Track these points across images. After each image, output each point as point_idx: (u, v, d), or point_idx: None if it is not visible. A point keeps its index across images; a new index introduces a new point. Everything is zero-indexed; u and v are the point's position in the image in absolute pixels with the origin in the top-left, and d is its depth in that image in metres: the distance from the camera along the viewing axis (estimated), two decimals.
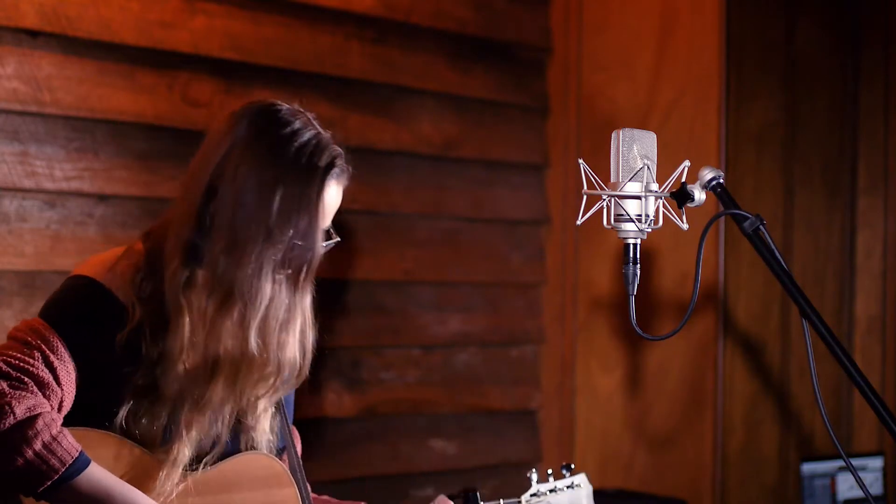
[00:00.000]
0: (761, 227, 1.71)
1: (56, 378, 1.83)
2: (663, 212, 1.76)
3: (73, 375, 1.86)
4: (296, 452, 2.10)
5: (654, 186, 1.75)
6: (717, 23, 3.58)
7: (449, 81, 3.61)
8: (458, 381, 3.65)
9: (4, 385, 1.77)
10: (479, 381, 3.70)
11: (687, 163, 1.75)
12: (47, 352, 1.83)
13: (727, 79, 3.58)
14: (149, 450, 1.89)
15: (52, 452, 1.75)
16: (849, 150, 3.95)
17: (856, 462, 3.50)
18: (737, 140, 3.61)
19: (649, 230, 1.76)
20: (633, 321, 1.79)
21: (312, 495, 2.10)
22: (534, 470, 2.20)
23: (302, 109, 1.98)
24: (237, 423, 1.98)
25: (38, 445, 1.74)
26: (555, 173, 3.92)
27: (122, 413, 1.89)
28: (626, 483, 3.74)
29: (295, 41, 3.24)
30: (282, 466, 2.02)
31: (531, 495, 2.17)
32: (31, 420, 1.75)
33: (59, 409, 1.84)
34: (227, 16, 3.09)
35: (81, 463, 1.77)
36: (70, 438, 1.78)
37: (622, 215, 1.75)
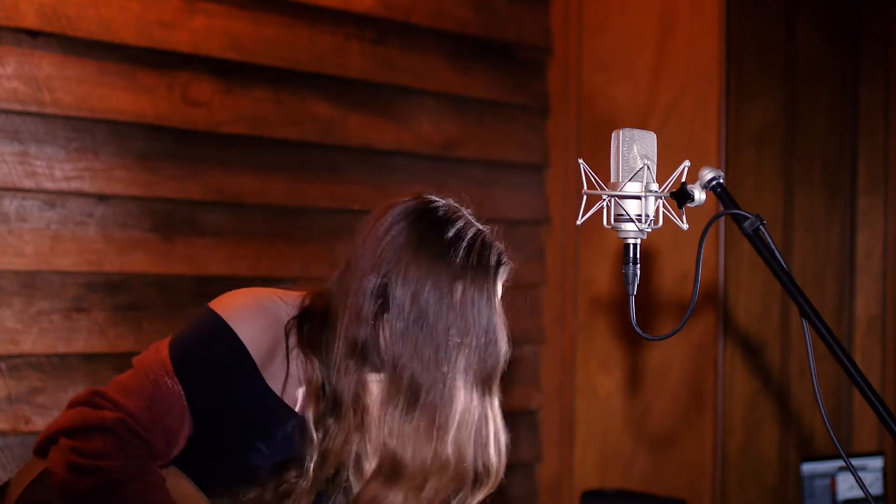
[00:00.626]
0: (761, 227, 1.71)
1: (170, 440, 1.81)
2: (663, 212, 1.76)
3: (188, 431, 1.83)
4: None
5: (654, 186, 1.75)
6: (717, 23, 3.58)
7: (449, 81, 3.60)
8: None
9: (114, 448, 1.75)
10: None
11: (687, 163, 1.75)
12: (168, 410, 1.80)
13: (727, 79, 3.58)
14: None
15: None
16: (849, 150, 3.95)
17: (856, 462, 3.50)
18: (737, 140, 3.61)
19: (649, 230, 1.76)
20: (633, 321, 1.78)
21: None
22: None
23: (457, 205, 1.97)
24: None
25: None
26: (555, 173, 3.92)
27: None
28: (626, 483, 3.74)
29: (295, 41, 3.24)
30: None
31: None
32: (133, 482, 1.74)
33: (170, 457, 1.83)
34: (227, 16, 3.09)
35: None
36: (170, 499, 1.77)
37: (622, 215, 1.75)
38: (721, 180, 1.76)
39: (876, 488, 3.57)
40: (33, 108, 2.77)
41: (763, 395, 3.71)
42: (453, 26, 3.62)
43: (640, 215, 1.74)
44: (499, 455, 1.93)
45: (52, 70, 2.80)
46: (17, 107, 2.75)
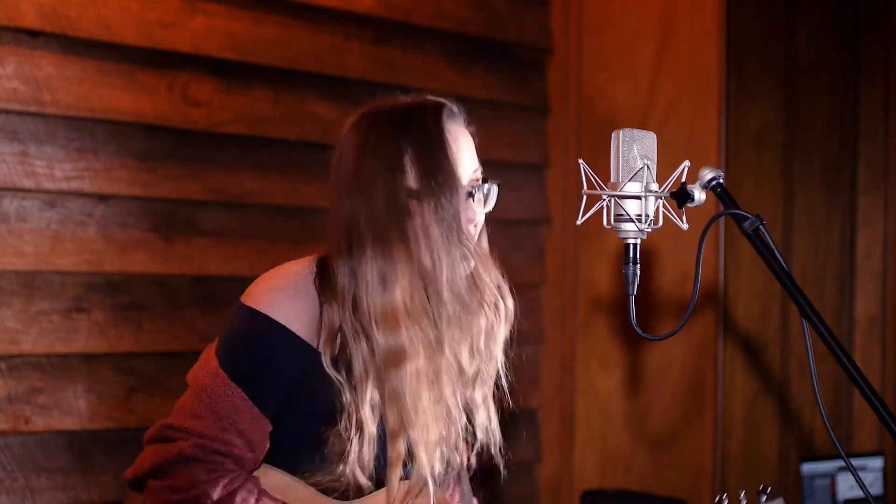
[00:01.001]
0: (761, 227, 1.71)
1: (250, 443, 1.82)
2: (663, 212, 1.76)
3: (268, 428, 1.85)
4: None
5: (654, 186, 1.75)
6: (717, 23, 3.58)
7: (449, 81, 3.60)
8: None
9: (201, 472, 1.77)
10: None
11: (687, 163, 1.75)
12: (236, 418, 1.81)
13: (727, 79, 3.58)
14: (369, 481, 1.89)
15: None
16: (849, 150, 3.95)
17: (856, 462, 3.50)
18: (737, 140, 3.61)
19: (649, 230, 1.76)
20: (633, 321, 1.78)
21: None
22: (725, 496, 2.06)
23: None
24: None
25: None
26: (555, 173, 3.92)
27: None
28: (626, 483, 3.74)
29: (295, 41, 3.24)
30: None
31: None
32: (230, 497, 1.76)
33: (255, 463, 1.85)
34: (227, 16, 3.09)
35: None
36: (269, 501, 1.80)
37: (622, 215, 1.75)
38: (721, 180, 1.76)
39: (876, 488, 3.58)
40: (33, 108, 2.77)
41: (763, 395, 3.71)
42: (453, 26, 3.62)
43: (640, 215, 1.74)
44: (499, 286, 1.94)
45: (52, 70, 2.80)
46: (17, 107, 2.75)
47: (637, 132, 1.76)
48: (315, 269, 1.90)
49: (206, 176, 3.07)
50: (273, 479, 1.89)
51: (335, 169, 1.94)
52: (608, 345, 3.80)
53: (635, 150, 1.75)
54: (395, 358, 1.85)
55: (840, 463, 3.48)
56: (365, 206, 1.87)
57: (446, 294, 1.86)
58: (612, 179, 1.76)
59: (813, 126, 3.85)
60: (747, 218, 1.71)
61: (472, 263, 1.90)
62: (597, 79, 3.86)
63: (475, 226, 1.94)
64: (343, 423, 1.87)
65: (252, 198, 3.17)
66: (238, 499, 1.78)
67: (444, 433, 1.90)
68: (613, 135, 1.76)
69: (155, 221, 2.99)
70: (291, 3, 3.22)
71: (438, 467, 1.91)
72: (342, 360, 1.87)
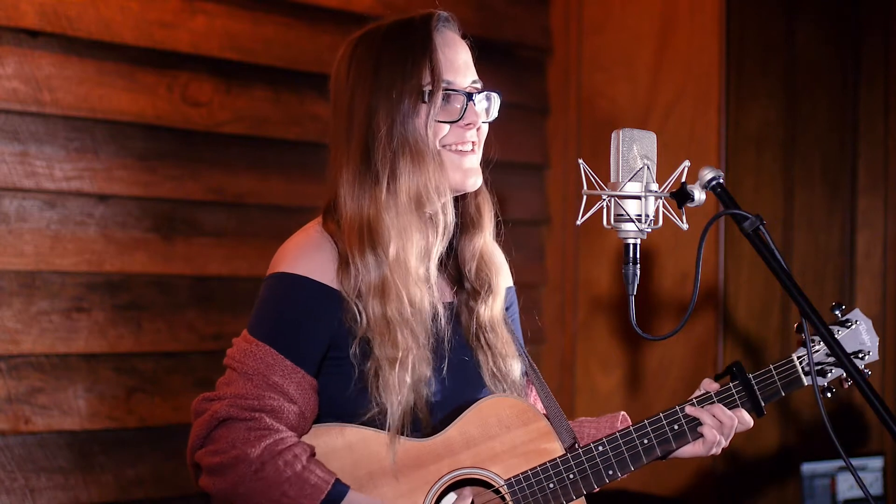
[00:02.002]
0: (761, 227, 1.71)
1: (287, 394, 1.81)
2: (663, 212, 1.76)
3: (307, 379, 1.84)
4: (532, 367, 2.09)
5: (654, 186, 1.75)
6: (717, 23, 3.58)
7: None
8: None
9: (241, 431, 1.77)
10: None
11: (687, 163, 1.75)
12: (266, 372, 1.81)
13: (727, 79, 3.58)
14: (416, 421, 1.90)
15: (302, 490, 1.76)
16: (849, 150, 3.95)
17: (856, 462, 3.50)
18: (737, 140, 3.61)
19: (649, 230, 1.76)
20: (633, 321, 1.79)
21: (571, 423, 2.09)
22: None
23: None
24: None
25: (286, 487, 1.75)
26: (555, 173, 3.92)
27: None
28: (626, 483, 3.74)
29: (295, 41, 3.24)
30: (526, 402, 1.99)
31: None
32: (273, 459, 1.76)
33: (303, 419, 1.83)
34: (226, 16, 3.09)
35: (333, 498, 1.78)
36: (319, 471, 1.78)
37: (622, 215, 1.75)
38: (721, 180, 1.76)
39: (876, 488, 3.57)
40: (33, 108, 2.77)
41: None
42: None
43: (640, 215, 1.74)
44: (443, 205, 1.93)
45: (52, 70, 2.80)
46: (17, 107, 2.75)
47: (637, 132, 1.76)
48: (322, 218, 1.95)
49: (206, 176, 3.07)
50: (343, 434, 1.88)
51: (330, 92, 1.97)
52: (608, 345, 3.80)
53: (635, 150, 1.75)
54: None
55: (840, 463, 3.48)
56: (346, 123, 1.90)
57: (403, 205, 1.87)
58: (612, 179, 1.76)
59: (813, 126, 3.85)
60: (747, 218, 1.71)
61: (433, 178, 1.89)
62: (597, 79, 3.86)
63: (477, 130, 1.95)
64: (373, 350, 1.87)
65: (252, 198, 3.17)
66: (281, 462, 1.76)
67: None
68: (613, 135, 1.76)
69: (155, 221, 2.99)
70: (291, 3, 3.22)
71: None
72: (356, 285, 1.88)
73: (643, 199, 1.74)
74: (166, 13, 2.98)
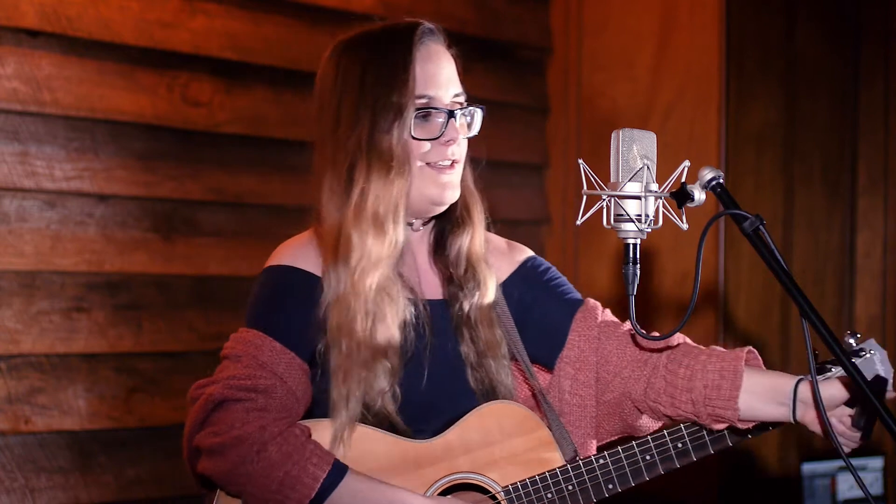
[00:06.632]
0: (761, 227, 1.71)
1: (277, 374, 1.83)
2: (663, 212, 1.76)
3: (296, 361, 1.86)
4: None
5: (654, 186, 1.75)
6: (717, 23, 3.58)
7: None
8: None
9: (239, 412, 1.78)
10: None
11: (687, 163, 1.75)
12: (255, 353, 1.83)
13: (727, 79, 3.58)
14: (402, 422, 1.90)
15: (304, 469, 1.77)
16: (849, 150, 3.95)
17: (856, 462, 3.50)
18: (737, 140, 3.61)
19: (649, 230, 1.76)
20: (633, 321, 1.78)
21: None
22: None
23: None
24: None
25: (289, 466, 1.76)
26: (555, 173, 3.92)
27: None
28: None
29: (295, 41, 3.24)
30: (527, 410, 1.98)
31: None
32: (275, 439, 1.77)
33: (295, 400, 1.84)
34: (226, 16, 3.09)
35: (335, 476, 1.78)
36: (319, 452, 1.79)
37: (622, 215, 1.74)
38: (721, 180, 1.75)
39: (876, 488, 3.57)
40: (33, 108, 2.77)
41: None
42: (453, 26, 3.61)
43: (640, 215, 1.74)
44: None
45: (52, 70, 2.80)
46: (17, 107, 2.75)
47: (637, 132, 1.76)
48: (313, 226, 1.98)
49: (206, 176, 3.07)
50: (365, 437, 1.89)
51: (314, 97, 1.98)
52: None
53: (635, 150, 1.75)
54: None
55: (840, 463, 3.48)
56: (332, 128, 1.91)
57: (367, 220, 1.88)
58: (612, 179, 1.76)
59: (813, 126, 3.85)
60: (747, 218, 1.71)
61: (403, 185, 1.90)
62: (597, 79, 3.86)
63: (458, 146, 1.95)
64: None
65: (252, 198, 3.17)
66: (282, 441, 1.77)
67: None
68: (613, 135, 1.76)
69: (155, 221, 2.99)
70: (291, 3, 3.22)
71: None
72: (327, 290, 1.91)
73: (643, 199, 1.74)
74: (166, 13, 2.98)
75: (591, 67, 3.88)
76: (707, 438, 1.96)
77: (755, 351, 1.93)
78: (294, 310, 1.89)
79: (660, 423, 2.01)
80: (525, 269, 2.09)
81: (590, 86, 3.88)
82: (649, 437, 1.97)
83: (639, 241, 1.77)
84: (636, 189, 1.74)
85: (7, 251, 2.74)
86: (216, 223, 3.10)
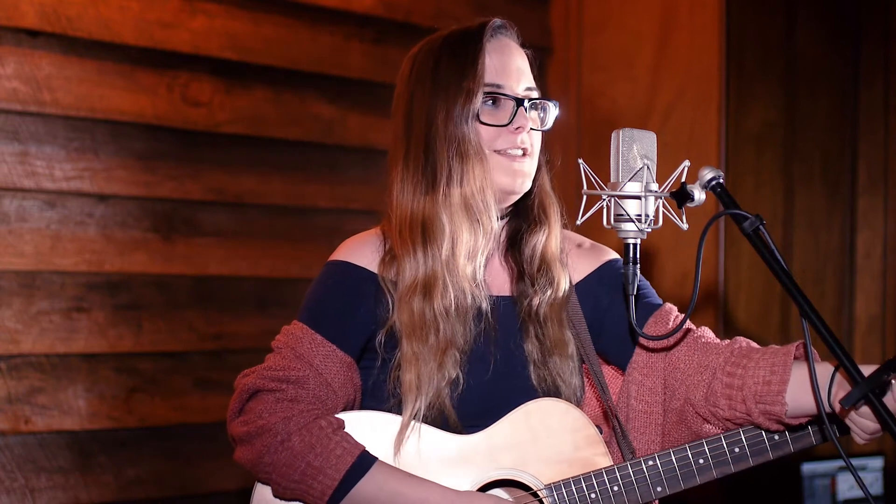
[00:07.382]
0: (761, 227, 1.71)
1: (311, 365, 1.85)
2: (663, 212, 1.76)
3: (337, 354, 1.87)
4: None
5: (654, 186, 1.75)
6: (717, 23, 3.57)
7: None
8: None
9: (269, 401, 1.81)
10: None
11: (687, 163, 1.75)
12: (294, 345, 1.86)
13: (727, 79, 3.58)
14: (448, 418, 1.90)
15: (327, 460, 1.78)
16: (849, 150, 3.95)
17: (856, 462, 3.50)
18: (737, 140, 3.61)
19: (649, 230, 1.76)
20: (633, 321, 1.78)
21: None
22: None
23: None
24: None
25: (311, 457, 1.77)
26: (555, 173, 3.91)
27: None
28: None
29: (295, 41, 3.24)
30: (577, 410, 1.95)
31: None
32: (300, 430, 1.78)
33: (330, 390, 1.85)
34: (226, 16, 3.09)
35: (360, 467, 1.79)
36: (345, 443, 1.79)
37: (622, 215, 1.75)
38: (721, 180, 1.75)
39: (876, 488, 3.57)
40: (33, 108, 2.78)
41: None
42: (453, 26, 3.62)
43: (640, 215, 1.74)
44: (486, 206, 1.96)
45: (52, 70, 2.80)
46: (17, 107, 2.75)
47: (637, 132, 1.76)
48: (382, 221, 2.01)
49: (206, 176, 3.07)
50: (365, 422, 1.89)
51: (393, 103, 2.02)
52: None
53: (635, 149, 1.75)
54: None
55: (840, 463, 3.48)
56: (405, 124, 1.95)
57: (455, 206, 1.90)
58: (612, 179, 1.76)
59: (813, 126, 3.84)
60: (747, 218, 1.71)
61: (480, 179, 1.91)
62: (597, 79, 3.86)
63: (528, 135, 1.98)
64: (401, 344, 1.90)
65: (252, 198, 3.17)
66: (307, 432, 1.78)
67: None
68: (613, 135, 1.76)
69: (155, 221, 2.99)
70: (291, 3, 3.22)
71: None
72: (396, 278, 1.92)
73: (643, 199, 1.74)
74: (166, 13, 2.98)
75: (591, 67, 3.88)
76: (767, 444, 1.93)
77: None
78: (341, 303, 1.90)
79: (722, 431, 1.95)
80: (605, 270, 2.07)
81: (590, 86, 3.88)
82: (704, 441, 1.92)
83: (639, 241, 1.77)
84: (636, 189, 1.74)
85: (7, 251, 2.74)
86: (216, 223, 3.10)
